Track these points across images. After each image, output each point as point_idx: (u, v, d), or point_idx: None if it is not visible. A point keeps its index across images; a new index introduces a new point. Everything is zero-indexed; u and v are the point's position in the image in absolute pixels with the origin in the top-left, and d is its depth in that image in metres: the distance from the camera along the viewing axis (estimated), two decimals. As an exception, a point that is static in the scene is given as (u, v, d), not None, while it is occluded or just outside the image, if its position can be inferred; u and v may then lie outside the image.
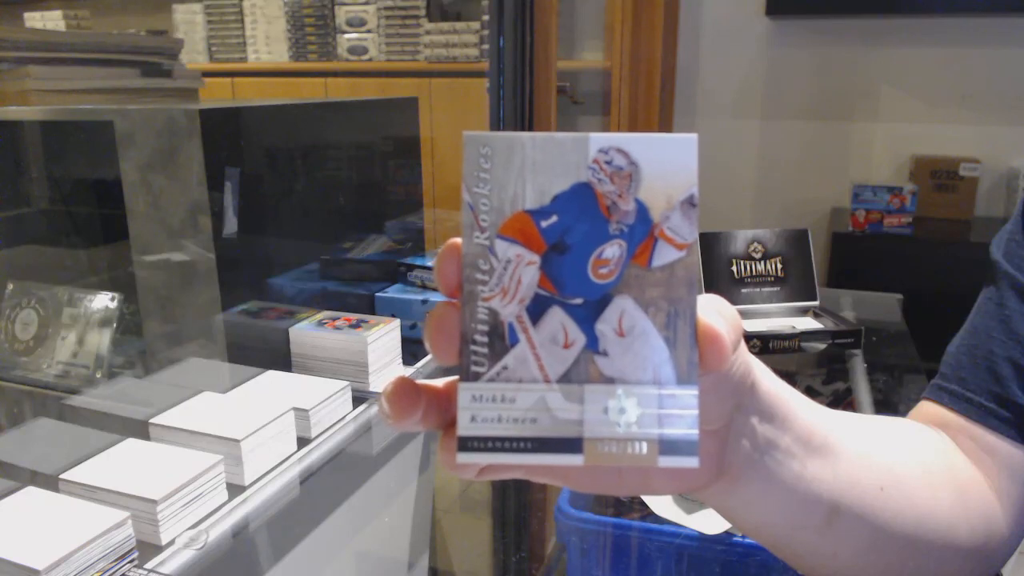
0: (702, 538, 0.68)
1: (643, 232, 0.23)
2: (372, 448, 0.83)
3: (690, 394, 0.23)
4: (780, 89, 2.41)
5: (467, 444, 0.23)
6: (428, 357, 0.96)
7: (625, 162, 0.23)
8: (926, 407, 0.47)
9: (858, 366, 0.99)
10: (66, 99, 1.00)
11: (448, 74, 2.57)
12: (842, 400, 0.93)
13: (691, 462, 0.23)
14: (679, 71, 2.48)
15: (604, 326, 0.23)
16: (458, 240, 0.24)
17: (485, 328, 0.23)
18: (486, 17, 2.48)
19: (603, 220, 0.23)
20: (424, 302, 1.07)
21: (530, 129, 1.61)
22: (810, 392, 0.96)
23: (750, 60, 2.43)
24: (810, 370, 1.02)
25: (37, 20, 2.81)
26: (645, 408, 0.23)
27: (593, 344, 0.23)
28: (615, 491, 0.33)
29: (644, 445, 0.23)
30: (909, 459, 0.41)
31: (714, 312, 0.25)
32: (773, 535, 0.37)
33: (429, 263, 1.12)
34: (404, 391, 0.26)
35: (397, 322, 0.90)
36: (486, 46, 2.43)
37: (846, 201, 2.23)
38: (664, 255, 0.23)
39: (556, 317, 0.23)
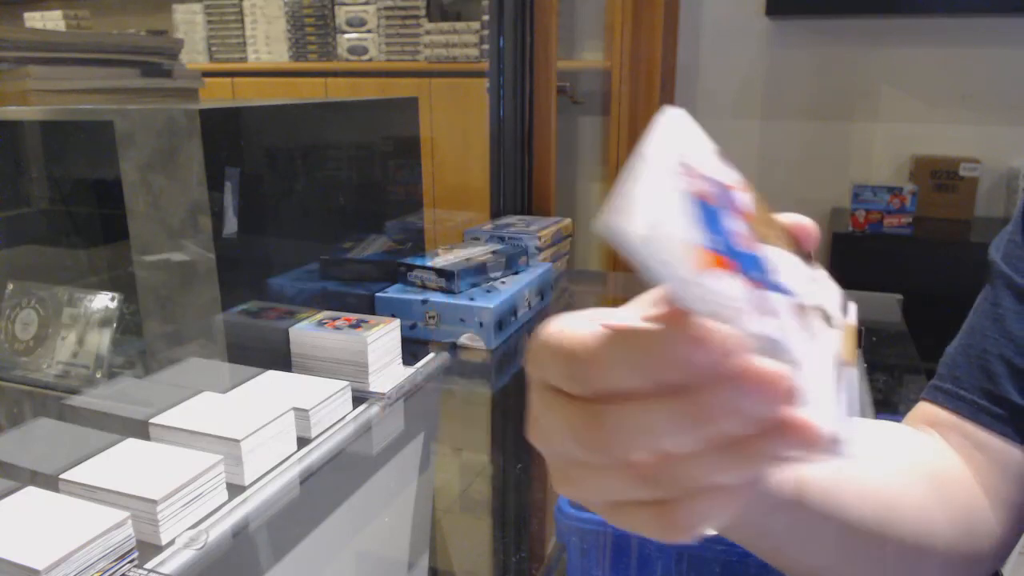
0: (702, 538, 0.68)
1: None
2: (372, 448, 0.83)
3: None
4: (780, 89, 2.41)
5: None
6: (428, 357, 0.96)
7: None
8: (922, 407, 0.48)
9: (858, 366, 0.99)
10: (66, 99, 1.00)
11: (448, 74, 2.57)
12: (842, 400, 0.93)
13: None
14: (679, 71, 2.48)
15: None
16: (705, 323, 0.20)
17: (770, 357, 0.20)
18: (486, 17, 2.48)
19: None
20: (424, 302, 1.07)
21: (529, 130, 1.61)
22: (810, 392, 0.96)
23: (750, 60, 2.43)
24: (810, 370, 1.02)
25: (37, 20, 2.81)
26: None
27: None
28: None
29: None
30: (877, 452, 0.42)
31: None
32: (746, 521, 0.37)
33: (429, 263, 1.12)
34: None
35: (397, 322, 0.90)
36: (486, 46, 2.43)
37: (846, 201, 2.23)
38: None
39: (778, 303, 0.21)
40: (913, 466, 0.43)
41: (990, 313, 0.47)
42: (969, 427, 0.45)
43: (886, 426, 0.46)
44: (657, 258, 0.19)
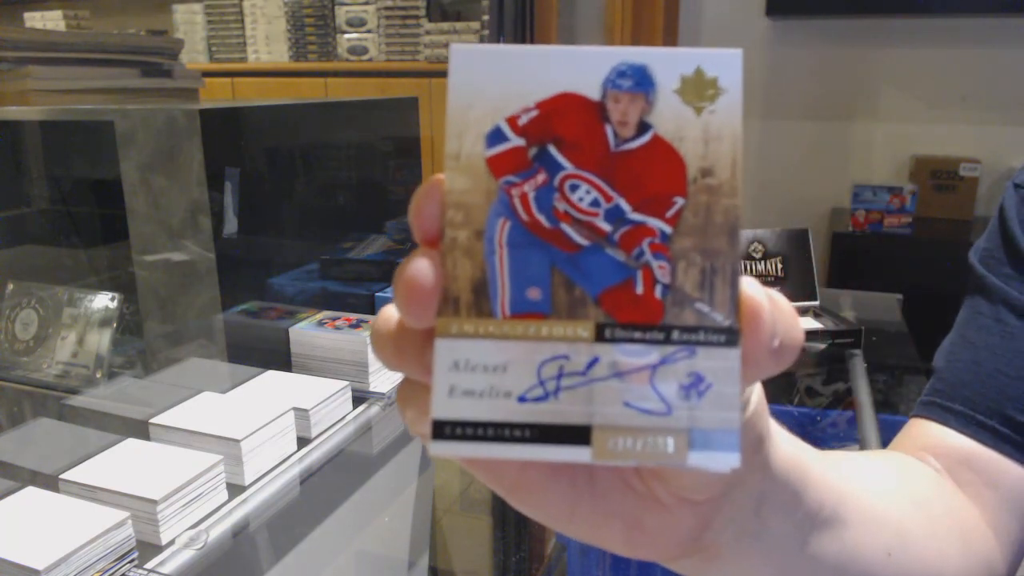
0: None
1: None
2: (372, 448, 0.83)
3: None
4: (780, 89, 2.41)
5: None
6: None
7: None
8: (925, 427, 0.44)
9: (858, 366, 0.99)
10: (66, 99, 0.99)
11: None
12: (842, 400, 0.93)
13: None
14: (679, 71, 2.48)
15: None
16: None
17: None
18: (486, 17, 2.48)
19: None
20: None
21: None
22: (810, 393, 0.96)
23: (750, 60, 2.42)
24: (810, 370, 1.02)
25: (37, 20, 2.81)
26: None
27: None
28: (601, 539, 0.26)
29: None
30: (916, 513, 0.37)
31: (759, 286, 0.20)
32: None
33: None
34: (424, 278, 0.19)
35: (397, 322, 0.89)
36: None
37: (846, 201, 2.23)
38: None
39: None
40: (943, 523, 0.39)
41: (996, 330, 0.43)
42: (986, 457, 0.41)
43: (903, 465, 0.42)
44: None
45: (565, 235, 0.19)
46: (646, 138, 0.19)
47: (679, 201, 0.19)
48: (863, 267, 2.13)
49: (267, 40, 2.83)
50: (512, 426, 0.18)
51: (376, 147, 1.12)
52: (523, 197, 0.19)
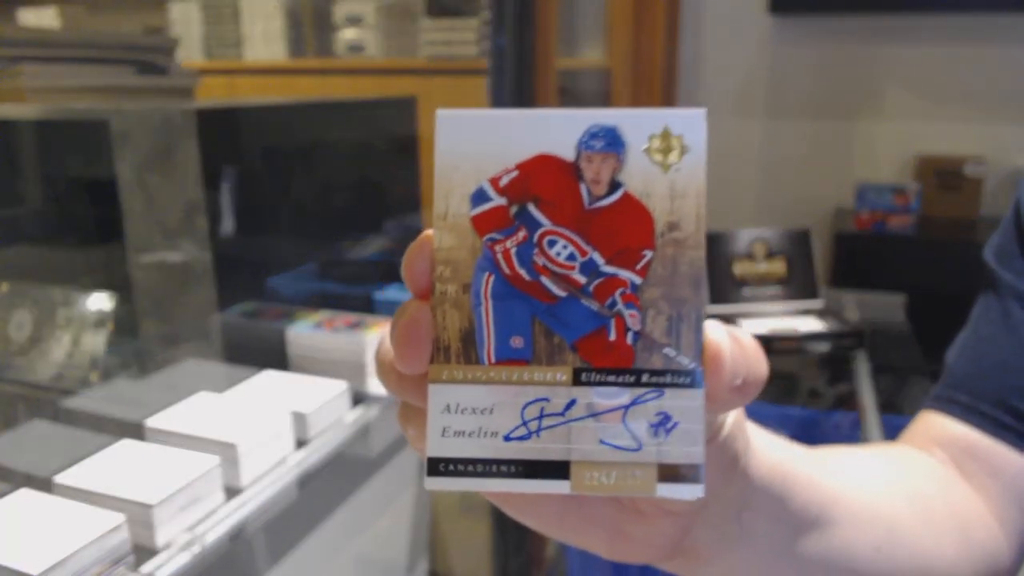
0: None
1: None
2: (371, 450, 0.82)
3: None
4: (783, 87, 2.41)
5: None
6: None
7: None
8: (930, 420, 0.44)
9: (861, 367, 0.98)
10: (61, 98, 0.99)
11: (448, 72, 2.56)
12: (845, 402, 0.92)
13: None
14: (681, 70, 2.47)
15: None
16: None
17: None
18: (486, 14, 2.47)
19: None
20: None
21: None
22: (813, 395, 0.96)
23: (753, 58, 2.42)
24: (813, 372, 1.01)
25: (31, 18, 2.80)
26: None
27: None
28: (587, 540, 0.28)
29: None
30: (910, 506, 0.37)
31: (722, 330, 0.21)
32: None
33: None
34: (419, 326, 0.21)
35: (396, 323, 0.89)
36: (486, 44, 2.42)
37: (850, 200, 2.23)
38: None
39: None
40: (940, 514, 0.39)
41: (1002, 323, 0.43)
42: (988, 446, 0.41)
43: (900, 457, 0.42)
44: None
45: (544, 287, 0.21)
46: (617, 195, 0.21)
47: (648, 254, 0.21)
48: (867, 267, 2.12)
49: (264, 38, 2.82)
50: (499, 462, 0.21)
51: (374, 147, 1.12)
52: (506, 253, 0.21)
